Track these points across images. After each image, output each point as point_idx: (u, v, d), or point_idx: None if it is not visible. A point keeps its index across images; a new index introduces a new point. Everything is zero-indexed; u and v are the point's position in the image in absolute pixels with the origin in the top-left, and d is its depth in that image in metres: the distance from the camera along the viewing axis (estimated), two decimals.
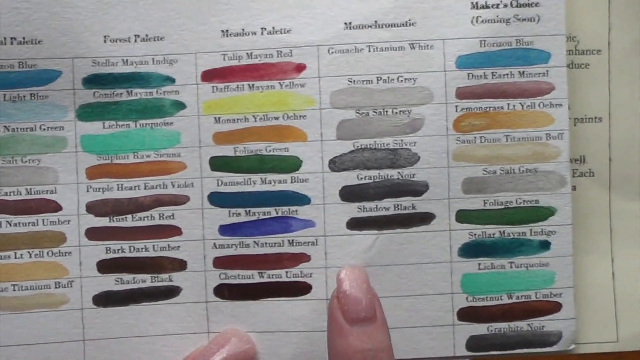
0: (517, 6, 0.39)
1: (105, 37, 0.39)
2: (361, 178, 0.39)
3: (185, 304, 0.39)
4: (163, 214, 0.40)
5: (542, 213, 0.39)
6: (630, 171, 0.40)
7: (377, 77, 0.39)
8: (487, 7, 0.39)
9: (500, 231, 0.39)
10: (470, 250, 0.39)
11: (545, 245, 0.39)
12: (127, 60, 0.39)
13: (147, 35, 0.39)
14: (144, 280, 0.40)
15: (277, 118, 0.39)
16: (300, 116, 0.39)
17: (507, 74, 0.39)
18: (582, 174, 0.40)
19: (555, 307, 0.39)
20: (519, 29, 0.39)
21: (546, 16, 0.39)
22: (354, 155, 0.39)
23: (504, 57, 0.39)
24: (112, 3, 0.39)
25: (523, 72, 0.39)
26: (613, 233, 0.40)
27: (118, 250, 0.39)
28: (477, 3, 0.39)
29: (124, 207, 0.40)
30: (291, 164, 0.39)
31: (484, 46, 0.39)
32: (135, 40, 0.39)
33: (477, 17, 0.39)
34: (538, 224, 0.39)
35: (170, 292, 0.40)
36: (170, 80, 0.39)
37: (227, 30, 0.39)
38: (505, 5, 0.39)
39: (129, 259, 0.40)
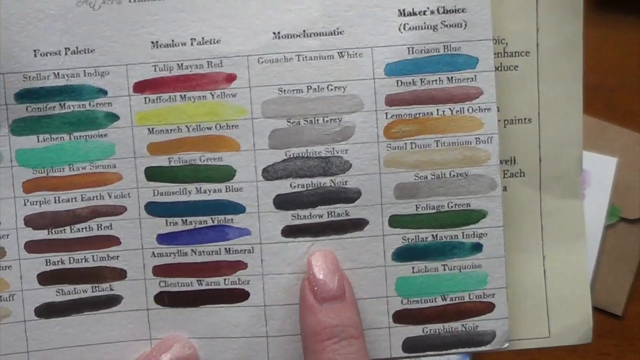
0: (443, 12, 0.39)
1: (35, 51, 0.39)
2: (294, 186, 0.40)
3: (127, 312, 0.40)
4: (101, 225, 0.40)
5: (474, 216, 0.40)
6: (560, 170, 0.41)
7: (307, 86, 0.39)
8: (414, 14, 0.39)
9: (432, 235, 0.40)
10: (404, 254, 0.40)
11: (477, 248, 0.40)
12: (58, 73, 0.39)
13: (77, 48, 0.39)
14: (85, 291, 0.40)
15: (209, 128, 0.40)
16: (232, 126, 0.39)
17: (436, 80, 0.39)
18: (513, 175, 0.41)
19: (488, 307, 0.40)
20: (446, 35, 0.39)
21: (473, 22, 0.39)
22: (287, 164, 0.39)
23: (432, 63, 0.39)
24: (41, 17, 0.39)
25: (451, 77, 0.39)
26: (544, 231, 0.41)
27: (58, 262, 0.40)
28: (404, 10, 0.39)
29: (62, 219, 0.40)
30: (225, 174, 0.40)
31: (412, 53, 0.39)
32: (66, 53, 0.39)
33: (405, 25, 0.39)
34: (470, 227, 0.40)
35: (111, 301, 0.40)
36: (103, 92, 0.40)
37: (157, 42, 0.39)
38: (432, 12, 0.39)
39: (69, 270, 0.40)
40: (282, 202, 0.40)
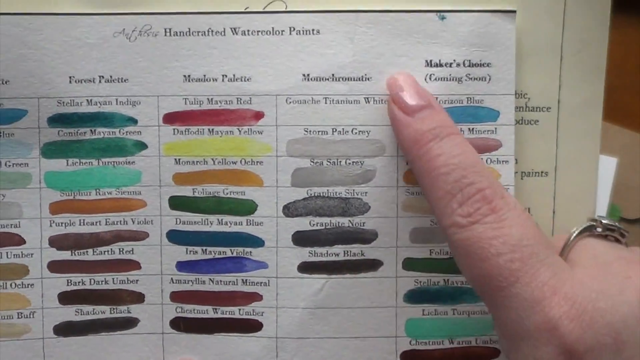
0: (469, 66, 0.40)
1: (70, 77, 0.40)
2: (313, 224, 0.41)
3: (142, 334, 0.42)
4: (123, 249, 0.41)
5: None
6: (572, 224, 0.41)
7: (333, 129, 0.40)
8: (441, 65, 0.40)
9: (444, 279, 0.41)
10: (415, 296, 0.41)
11: None
12: (91, 100, 0.41)
13: (111, 77, 0.41)
14: (103, 312, 0.42)
15: (235, 162, 0.41)
16: (257, 162, 0.41)
17: None
18: None
19: (494, 353, 0.41)
20: (470, 88, 0.40)
21: (497, 76, 0.40)
22: (307, 202, 0.41)
23: (455, 113, 0.40)
24: (78, 45, 0.40)
25: (472, 129, 0.40)
26: None
27: (79, 282, 0.41)
28: (431, 61, 0.40)
29: (85, 241, 0.41)
30: (247, 207, 0.41)
31: None
32: (100, 81, 0.41)
33: (431, 75, 0.40)
34: None
35: (128, 323, 0.42)
36: (133, 121, 0.41)
37: (189, 75, 0.41)
38: (458, 65, 0.40)
39: (89, 291, 0.42)
40: (301, 239, 0.41)
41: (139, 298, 0.42)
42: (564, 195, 0.42)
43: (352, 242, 0.41)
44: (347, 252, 0.41)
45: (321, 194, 0.41)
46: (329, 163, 0.41)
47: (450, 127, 0.37)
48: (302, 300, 0.41)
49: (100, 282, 0.42)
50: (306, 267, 0.41)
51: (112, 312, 0.42)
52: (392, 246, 0.41)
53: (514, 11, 0.40)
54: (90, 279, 0.42)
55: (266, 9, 0.40)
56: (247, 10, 0.40)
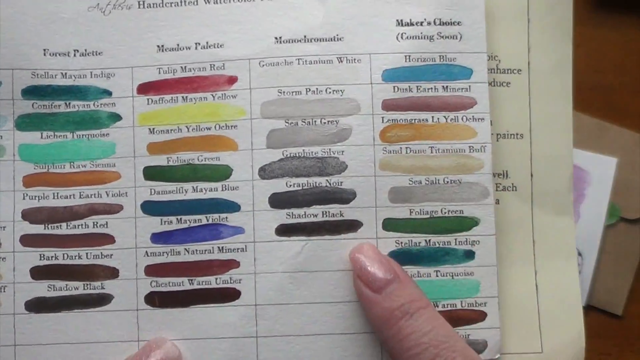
0: (440, 24, 0.41)
1: (45, 50, 0.41)
2: (290, 185, 0.40)
3: (117, 311, 0.40)
4: (97, 223, 0.41)
5: (467, 223, 0.40)
6: (551, 186, 0.42)
7: (307, 89, 0.40)
8: (412, 24, 0.41)
9: (426, 240, 0.40)
10: (397, 258, 0.40)
11: (469, 255, 0.40)
12: (65, 73, 0.41)
13: (85, 50, 0.41)
14: (77, 288, 0.40)
15: (209, 128, 0.41)
16: (231, 126, 0.40)
17: (432, 88, 0.41)
18: (505, 188, 0.41)
19: (480, 315, 0.40)
20: (442, 46, 0.41)
21: (468, 34, 0.41)
22: (283, 163, 0.40)
23: (428, 72, 0.40)
24: (53, 19, 0.41)
25: (447, 86, 0.41)
26: (536, 246, 0.41)
27: (52, 257, 0.40)
28: (402, 20, 0.41)
29: (59, 215, 0.41)
30: (222, 173, 0.40)
31: (409, 61, 0.41)
32: (74, 55, 0.41)
33: (402, 34, 0.41)
34: (463, 234, 0.40)
35: (102, 299, 0.40)
36: (107, 93, 0.41)
37: (162, 46, 0.41)
38: (429, 23, 0.41)
39: (62, 266, 0.40)
40: (278, 201, 0.40)
41: (113, 273, 0.40)
42: (541, 158, 0.42)
43: (331, 202, 0.40)
44: (326, 212, 0.40)
45: (297, 155, 0.40)
46: (303, 123, 0.40)
47: (419, 300, 0.38)
48: (281, 264, 0.40)
49: (73, 257, 0.41)
50: (284, 230, 0.40)
51: (86, 287, 0.40)
52: (371, 206, 0.40)
53: None
54: (63, 254, 0.40)
55: None
56: None
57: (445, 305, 0.40)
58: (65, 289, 0.40)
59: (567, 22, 0.42)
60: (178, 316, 0.40)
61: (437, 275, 0.40)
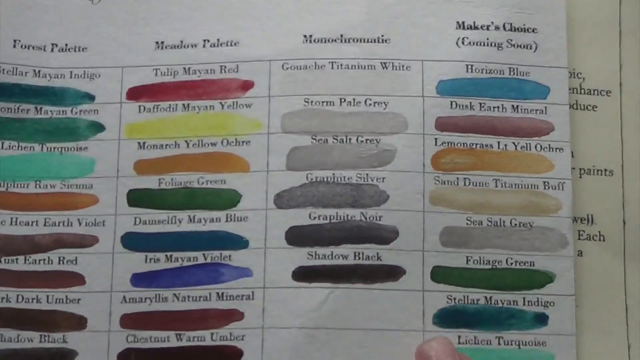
0: (510, 30, 0.40)
1: (15, 41, 0.40)
2: (314, 217, 0.38)
3: None
4: (64, 258, 0.39)
5: (538, 279, 0.38)
6: None
7: (341, 99, 0.39)
8: (476, 27, 0.40)
9: (486, 297, 0.38)
10: (449, 318, 0.38)
11: (541, 319, 0.38)
12: (39, 71, 0.40)
13: (66, 45, 0.40)
14: (31, 339, 0.38)
15: (214, 144, 0.39)
16: (243, 142, 0.39)
17: (498, 107, 0.39)
18: (590, 237, 0.39)
19: None
20: (512, 57, 0.39)
21: (545, 45, 0.40)
22: (307, 189, 0.38)
23: (495, 86, 0.39)
24: (28, 4, 0.40)
25: (517, 106, 0.39)
26: (629, 313, 0.39)
27: (2, 298, 0.39)
28: (463, 23, 0.40)
29: (17, 245, 0.39)
30: (228, 199, 0.39)
31: (471, 72, 0.39)
32: (52, 49, 0.40)
33: (464, 39, 0.40)
34: (533, 292, 0.38)
35: (63, 356, 0.38)
36: (89, 97, 0.40)
37: (162, 42, 0.40)
38: (497, 28, 0.40)
39: (15, 311, 0.39)
40: (297, 237, 0.38)
41: (79, 323, 0.38)
42: (636, 200, 0.40)
43: (366, 242, 0.38)
44: (359, 254, 0.38)
45: (325, 179, 0.39)
46: (335, 140, 0.39)
47: None
48: (298, 317, 0.37)
49: (30, 300, 0.39)
50: (304, 274, 0.38)
51: (43, 340, 0.38)
52: (417, 249, 0.38)
53: None
54: (17, 295, 0.39)
55: None
56: None
57: None
58: (16, 339, 0.38)
59: None
60: None
61: (499, 343, 0.38)
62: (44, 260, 0.39)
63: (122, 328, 0.38)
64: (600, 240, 0.39)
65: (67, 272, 0.39)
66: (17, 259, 0.39)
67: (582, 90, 0.40)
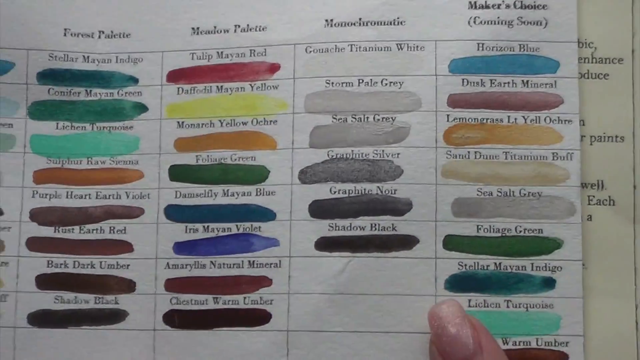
0: (521, 7, 0.40)
1: (65, 30, 0.42)
2: (335, 192, 0.40)
3: (131, 331, 0.41)
4: (114, 228, 0.42)
5: (547, 245, 0.39)
6: None
7: (359, 80, 0.40)
8: (487, 7, 0.40)
9: (495, 263, 0.39)
10: (460, 283, 0.39)
11: (549, 283, 0.39)
12: (88, 57, 0.42)
13: (112, 32, 0.42)
14: (87, 301, 0.41)
15: (245, 123, 0.41)
16: (270, 121, 0.41)
17: (509, 83, 0.40)
18: (600, 202, 0.40)
19: (560, 357, 0.39)
20: (523, 33, 0.40)
21: (555, 20, 0.40)
22: (328, 165, 0.40)
23: (505, 63, 0.40)
24: None
25: (527, 81, 0.40)
26: (638, 274, 0.40)
27: (61, 264, 0.41)
28: (475, 2, 0.40)
29: (72, 217, 0.42)
30: (257, 175, 0.41)
31: (482, 50, 0.40)
32: (99, 36, 0.42)
33: (475, 18, 0.40)
34: (541, 258, 0.39)
35: (116, 316, 0.41)
36: (133, 80, 0.42)
37: (197, 28, 0.42)
38: (508, 6, 0.40)
39: (72, 275, 0.41)
40: (319, 210, 0.40)
41: (129, 286, 0.41)
42: None
43: (382, 214, 0.40)
44: (375, 225, 0.40)
45: (345, 156, 0.40)
46: (354, 119, 0.40)
47: None
48: (320, 284, 0.40)
49: (85, 266, 0.41)
50: (325, 244, 0.40)
51: (98, 301, 0.41)
52: (430, 220, 0.40)
53: None
54: (74, 262, 0.41)
55: None
56: None
57: (517, 343, 0.39)
58: (74, 301, 0.41)
59: None
60: (199, 340, 0.40)
61: (508, 306, 0.39)
62: (97, 230, 0.41)
63: (166, 291, 0.41)
64: (610, 204, 0.40)
65: (117, 240, 0.41)
66: (72, 228, 0.41)
67: (594, 59, 0.40)
